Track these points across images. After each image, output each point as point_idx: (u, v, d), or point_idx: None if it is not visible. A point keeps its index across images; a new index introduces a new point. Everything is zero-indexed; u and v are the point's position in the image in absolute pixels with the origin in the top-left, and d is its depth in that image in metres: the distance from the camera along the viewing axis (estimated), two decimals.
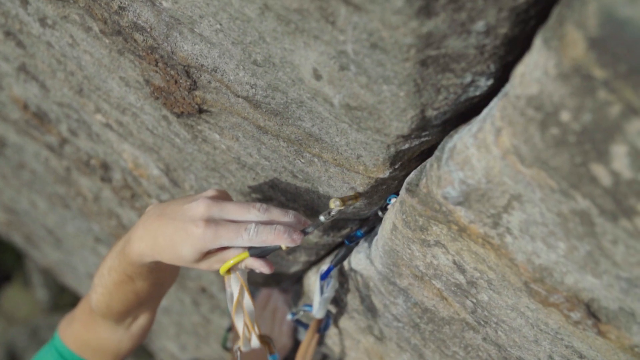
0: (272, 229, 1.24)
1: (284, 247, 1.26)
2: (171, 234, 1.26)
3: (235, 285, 1.37)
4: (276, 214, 1.27)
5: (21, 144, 2.93)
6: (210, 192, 1.32)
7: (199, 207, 1.25)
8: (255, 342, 1.44)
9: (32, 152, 2.92)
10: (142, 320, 1.61)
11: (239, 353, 1.48)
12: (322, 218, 1.29)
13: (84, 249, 3.96)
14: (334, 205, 1.24)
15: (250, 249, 1.28)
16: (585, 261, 0.85)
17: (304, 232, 1.29)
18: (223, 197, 1.32)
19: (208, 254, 1.28)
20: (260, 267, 1.30)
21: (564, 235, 0.84)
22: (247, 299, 1.38)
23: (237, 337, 1.47)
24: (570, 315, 0.97)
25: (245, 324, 1.42)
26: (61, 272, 5.81)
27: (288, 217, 1.27)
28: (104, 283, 1.45)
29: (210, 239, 1.22)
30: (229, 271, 1.32)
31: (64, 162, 2.69)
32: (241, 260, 1.29)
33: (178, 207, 1.29)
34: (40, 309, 9.58)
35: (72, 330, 1.64)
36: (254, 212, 1.26)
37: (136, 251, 1.32)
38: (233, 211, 1.26)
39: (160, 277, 1.50)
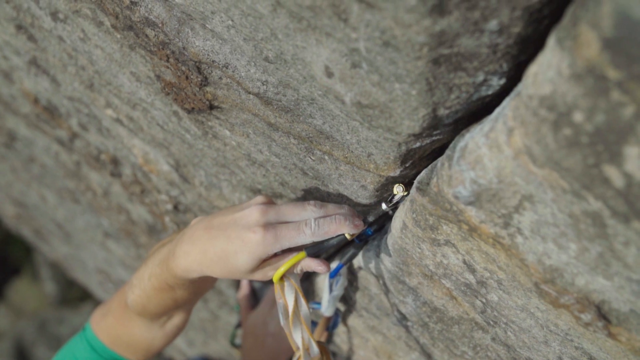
0: (333, 219, 1.23)
1: (348, 236, 1.26)
2: (223, 245, 1.24)
3: (289, 294, 1.34)
4: (331, 208, 1.27)
5: (31, 137, 2.94)
6: (260, 199, 1.30)
7: (253, 214, 1.24)
8: (314, 351, 1.40)
9: (42, 146, 2.93)
10: (176, 319, 1.59)
11: None
12: (384, 206, 1.28)
13: (93, 243, 3.97)
14: (397, 191, 1.22)
15: (306, 249, 1.28)
16: (597, 263, 0.85)
17: (366, 221, 1.29)
18: (272, 202, 1.31)
19: (264, 261, 1.26)
20: (317, 266, 1.29)
21: (575, 237, 0.84)
22: (304, 307, 1.36)
23: (292, 348, 1.41)
24: (581, 316, 0.97)
25: (303, 336, 1.36)
26: (70, 267, 5.83)
27: (343, 209, 1.27)
28: (142, 286, 1.44)
29: (270, 243, 1.21)
30: (282, 279, 1.30)
31: (74, 156, 2.70)
32: (296, 263, 1.28)
33: (227, 218, 1.27)
34: (48, 303, 9.63)
35: (106, 323, 1.63)
36: (310, 209, 1.25)
37: (182, 267, 1.31)
38: (289, 212, 1.26)
39: (202, 286, 1.50)
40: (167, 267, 1.34)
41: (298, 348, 1.38)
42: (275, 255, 1.28)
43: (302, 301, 1.36)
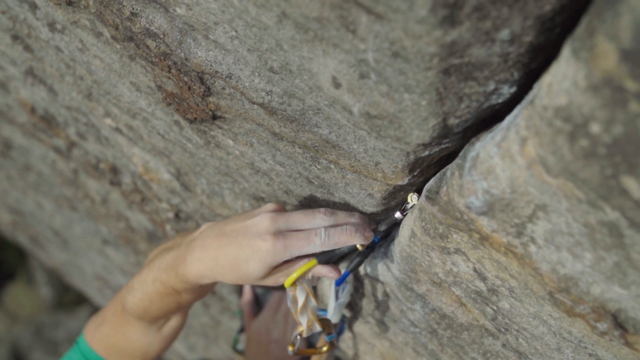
0: (344, 230, 1.24)
1: (359, 246, 1.28)
2: (234, 252, 1.25)
3: (300, 295, 1.38)
4: (342, 216, 1.28)
5: (28, 146, 2.92)
6: (271, 206, 1.31)
7: (264, 222, 1.25)
8: (317, 327, 1.46)
9: (39, 155, 2.91)
10: (174, 321, 1.59)
11: (299, 337, 1.50)
12: (397, 215, 1.28)
13: (91, 250, 3.96)
14: (412, 200, 1.22)
15: (317, 256, 1.28)
16: (613, 272, 0.84)
17: (377, 230, 1.30)
18: (283, 209, 1.32)
19: (275, 268, 1.27)
20: (329, 273, 1.30)
21: (590, 246, 0.83)
22: (312, 303, 1.40)
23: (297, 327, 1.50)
24: (597, 325, 0.96)
25: (309, 319, 1.44)
26: (67, 273, 5.82)
27: (354, 218, 1.28)
28: (145, 290, 1.44)
29: (280, 251, 1.22)
30: (294, 283, 1.31)
31: (72, 164, 2.68)
32: (308, 270, 1.29)
33: (238, 225, 1.28)
34: (44, 307, 9.62)
35: (101, 332, 1.62)
36: (320, 217, 1.26)
37: (194, 273, 1.32)
38: (299, 220, 1.26)
39: (208, 288, 1.52)
40: (176, 273, 1.35)
41: (301, 324, 1.45)
42: (287, 261, 1.29)
43: (312, 300, 1.39)
